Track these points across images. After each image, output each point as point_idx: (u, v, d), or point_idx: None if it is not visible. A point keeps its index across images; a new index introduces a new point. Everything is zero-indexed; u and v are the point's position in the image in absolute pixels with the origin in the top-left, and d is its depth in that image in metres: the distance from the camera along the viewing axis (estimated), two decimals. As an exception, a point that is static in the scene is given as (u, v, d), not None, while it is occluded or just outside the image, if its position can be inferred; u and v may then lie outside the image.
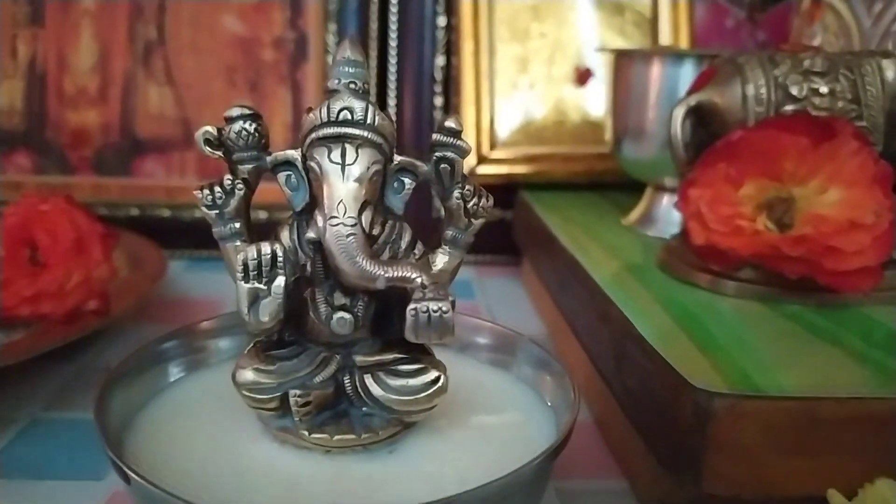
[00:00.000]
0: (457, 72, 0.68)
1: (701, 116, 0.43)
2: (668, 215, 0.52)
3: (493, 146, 0.67)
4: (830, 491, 0.29)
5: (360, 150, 0.29)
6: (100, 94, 0.70)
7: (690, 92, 0.44)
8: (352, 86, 0.30)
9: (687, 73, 0.49)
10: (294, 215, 0.31)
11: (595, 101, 0.67)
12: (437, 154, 0.31)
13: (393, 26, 0.70)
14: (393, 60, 0.70)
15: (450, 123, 0.31)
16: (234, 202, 0.30)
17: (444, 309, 0.28)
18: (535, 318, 0.59)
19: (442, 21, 0.69)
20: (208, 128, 0.31)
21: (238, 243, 0.31)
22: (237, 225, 0.31)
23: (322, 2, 0.69)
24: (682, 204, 0.40)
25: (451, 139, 0.31)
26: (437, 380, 0.29)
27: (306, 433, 0.29)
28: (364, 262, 0.28)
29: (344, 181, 0.28)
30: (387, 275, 0.28)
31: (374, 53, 0.70)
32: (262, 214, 0.69)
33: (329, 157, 0.29)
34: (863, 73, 0.42)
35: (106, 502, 0.35)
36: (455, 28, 0.67)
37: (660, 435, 0.32)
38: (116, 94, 0.70)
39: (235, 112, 0.30)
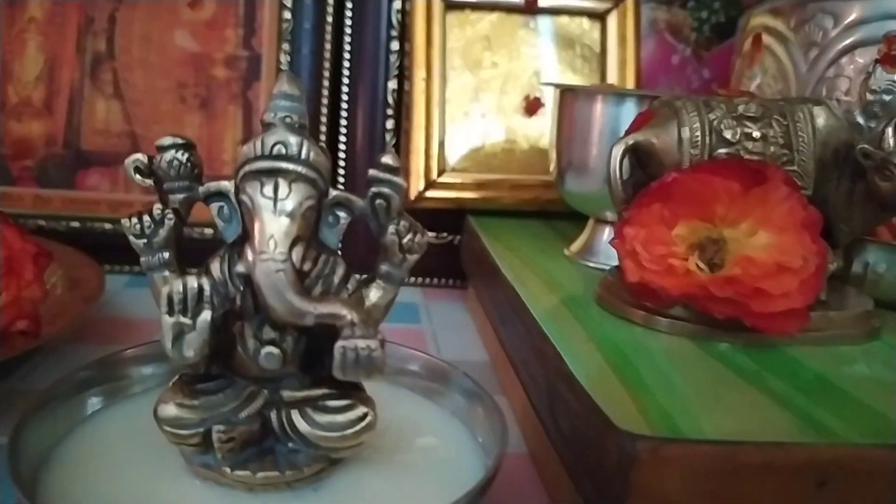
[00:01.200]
0: (408, 96, 0.68)
1: (639, 157, 0.44)
2: (608, 247, 0.53)
3: (441, 171, 0.68)
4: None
5: (293, 186, 0.29)
6: (45, 105, 0.68)
7: (629, 132, 0.44)
8: (287, 120, 0.30)
9: (628, 112, 0.51)
10: (226, 247, 0.31)
11: (544, 131, 0.67)
12: (373, 190, 0.32)
13: (347, 48, 0.70)
14: (346, 82, 0.70)
15: (386, 160, 0.32)
16: (163, 232, 0.30)
17: (372, 347, 0.28)
18: (478, 345, 0.59)
19: (395, 45, 0.70)
20: (138, 155, 0.30)
21: (166, 273, 0.31)
22: (166, 255, 0.30)
23: (276, 22, 0.69)
24: (617, 242, 0.41)
25: (388, 175, 0.32)
26: (364, 416, 0.29)
27: (228, 470, 0.29)
28: (293, 298, 0.28)
29: (276, 216, 0.28)
30: (316, 311, 0.28)
31: (327, 74, 0.70)
32: (209, 232, 0.69)
33: (262, 191, 0.28)
34: (795, 119, 0.43)
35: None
36: (408, 54, 0.68)
37: (586, 476, 0.32)
38: (62, 106, 0.68)
39: (167, 141, 0.30)
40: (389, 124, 0.70)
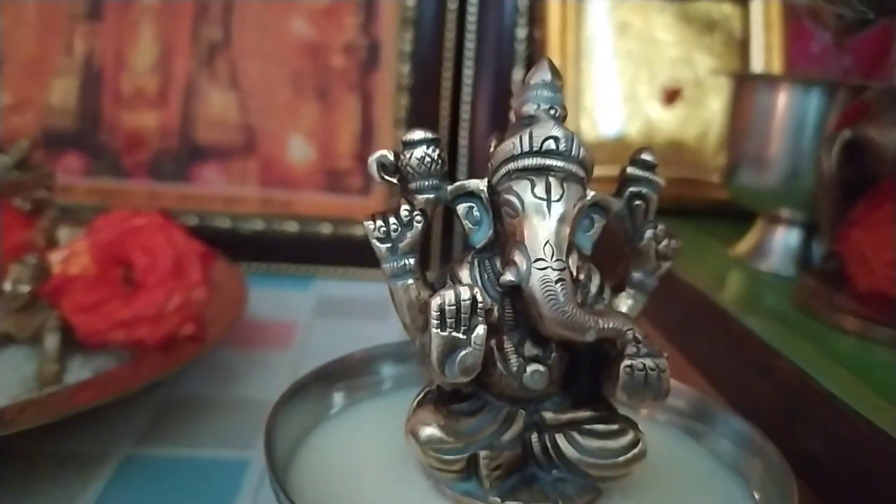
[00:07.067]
0: (537, 87, 0.65)
1: (852, 152, 0.40)
2: (783, 249, 0.50)
3: (574, 166, 0.64)
4: None
5: (565, 185, 0.26)
6: (159, 95, 0.66)
7: (841, 125, 0.41)
8: (552, 112, 0.27)
9: (814, 103, 0.47)
10: (472, 253, 0.28)
11: (683, 122, 0.64)
12: (630, 189, 0.29)
13: (470, 36, 0.67)
14: (469, 72, 0.67)
15: (645, 156, 0.29)
16: (410, 236, 0.27)
17: (661, 367, 0.25)
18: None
19: (522, 33, 0.66)
20: (385, 152, 0.28)
21: (410, 282, 0.28)
22: (411, 261, 0.28)
23: (398, 8, 0.66)
24: (842, 246, 0.38)
25: (647, 174, 0.29)
26: (636, 443, 0.26)
27: (498, 500, 0.26)
28: (574, 311, 0.25)
29: (548, 219, 0.25)
30: (598, 326, 0.25)
31: (449, 64, 0.67)
32: (327, 228, 0.66)
33: (533, 191, 0.25)
34: None
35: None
36: (541, 42, 0.64)
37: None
38: (177, 97, 0.66)
39: (418, 136, 0.27)
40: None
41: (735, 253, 0.52)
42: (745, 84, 0.50)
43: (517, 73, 0.66)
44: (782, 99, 0.47)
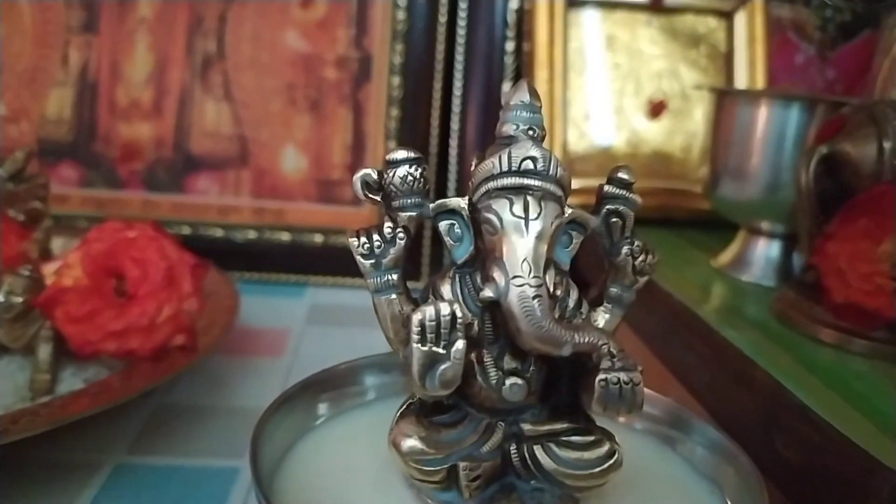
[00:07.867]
0: (526, 99, 0.66)
1: (830, 166, 0.41)
2: (764, 260, 0.51)
3: (562, 177, 0.65)
4: None
5: (542, 203, 0.27)
6: (154, 106, 0.67)
7: (819, 140, 0.42)
8: (531, 133, 0.28)
9: (794, 117, 0.48)
10: (454, 268, 0.29)
11: (668, 135, 0.65)
12: (607, 207, 0.30)
13: (459, 49, 0.68)
14: (458, 84, 0.68)
15: (622, 175, 0.30)
16: (393, 252, 0.28)
17: (635, 380, 0.26)
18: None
19: (510, 46, 0.67)
20: (368, 171, 0.28)
21: (393, 296, 0.28)
22: (394, 276, 0.28)
23: (389, 21, 0.67)
24: (819, 259, 0.39)
25: (624, 192, 0.30)
26: (612, 454, 0.27)
27: (477, 510, 0.27)
28: (551, 326, 0.26)
29: (526, 237, 0.26)
30: (575, 340, 0.26)
31: (439, 76, 0.68)
32: (318, 238, 0.67)
33: (511, 209, 0.26)
34: None
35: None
36: (529, 54, 0.65)
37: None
38: (171, 108, 0.67)
39: (401, 155, 0.28)
40: (503, 127, 0.68)
41: (717, 263, 0.53)
42: (726, 99, 0.51)
43: (506, 85, 0.67)
44: (763, 114, 0.48)
